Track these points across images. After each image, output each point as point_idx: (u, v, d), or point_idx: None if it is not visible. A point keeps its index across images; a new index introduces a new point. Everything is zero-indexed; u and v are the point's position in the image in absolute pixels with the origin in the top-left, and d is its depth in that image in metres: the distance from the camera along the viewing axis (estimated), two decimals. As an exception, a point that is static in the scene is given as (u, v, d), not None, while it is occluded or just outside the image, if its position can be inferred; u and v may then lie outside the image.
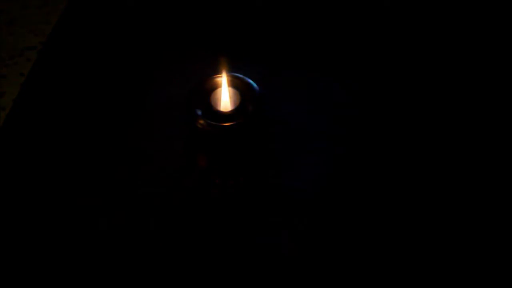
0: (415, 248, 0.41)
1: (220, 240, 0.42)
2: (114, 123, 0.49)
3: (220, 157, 0.43)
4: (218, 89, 0.42)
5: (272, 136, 0.47)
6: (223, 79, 0.42)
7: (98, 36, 0.56)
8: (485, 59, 0.53)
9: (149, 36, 0.56)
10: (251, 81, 0.42)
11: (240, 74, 0.43)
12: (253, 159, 0.45)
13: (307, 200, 0.44)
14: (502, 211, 0.43)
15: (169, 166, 0.45)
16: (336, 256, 0.41)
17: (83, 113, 0.50)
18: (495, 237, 0.42)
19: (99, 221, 0.43)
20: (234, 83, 0.42)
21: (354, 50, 0.54)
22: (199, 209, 0.43)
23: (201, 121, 0.40)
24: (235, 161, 0.43)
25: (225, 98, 0.42)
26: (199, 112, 0.41)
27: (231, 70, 0.42)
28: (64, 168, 0.46)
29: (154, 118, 0.49)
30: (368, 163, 0.46)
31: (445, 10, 0.57)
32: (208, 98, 0.42)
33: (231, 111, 0.41)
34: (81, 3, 0.59)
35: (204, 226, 0.43)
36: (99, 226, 0.43)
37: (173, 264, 0.41)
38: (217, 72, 0.42)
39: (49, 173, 0.45)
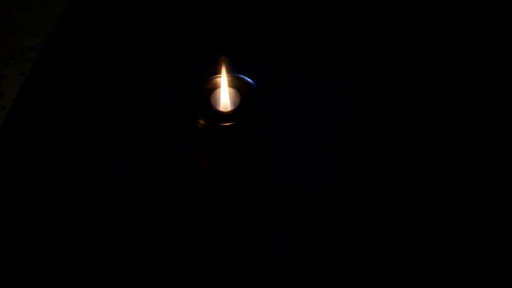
0: (415, 249, 0.41)
1: (220, 241, 0.42)
2: (114, 124, 0.49)
3: (220, 157, 0.43)
4: (218, 89, 0.42)
5: (272, 136, 0.47)
6: (223, 79, 0.42)
7: (98, 36, 0.56)
8: (485, 59, 0.53)
9: (149, 36, 0.56)
10: (251, 81, 0.42)
11: (240, 74, 0.43)
12: (253, 159, 0.45)
13: (308, 201, 0.44)
14: (502, 211, 0.43)
15: (169, 166, 0.45)
16: (337, 257, 0.41)
17: (83, 113, 0.50)
18: (495, 237, 0.42)
19: (99, 222, 0.43)
20: (234, 83, 0.42)
21: (354, 50, 0.54)
22: (199, 209, 0.43)
23: (201, 121, 0.40)
24: (235, 161, 0.43)
25: (225, 98, 0.42)
26: (199, 112, 0.41)
27: (231, 70, 0.42)
28: (64, 168, 0.46)
29: (154, 118, 0.49)
30: (368, 163, 0.46)
31: (445, 10, 0.57)
32: (208, 98, 0.41)
33: (231, 111, 0.41)
34: (81, 3, 0.59)
35: (204, 227, 0.43)
36: (100, 227, 0.42)
37: (173, 264, 0.41)
38: (217, 72, 0.42)
39: (49, 173, 0.45)
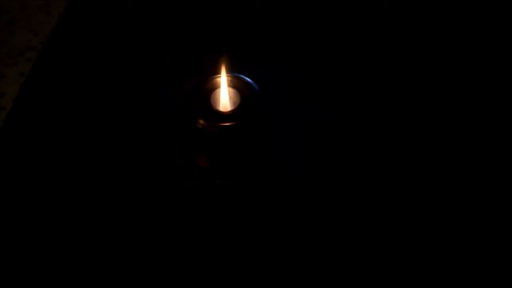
0: (415, 248, 0.41)
1: (220, 241, 0.42)
2: (114, 124, 0.49)
3: (220, 157, 0.43)
4: (218, 89, 0.42)
5: (272, 136, 0.47)
6: (223, 79, 0.42)
7: (98, 36, 0.56)
8: (485, 59, 0.53)
9: (149, 37, 0.56)
10: (251, 81, 0.42)
11: (240, 74, 0.43)
12: (253, 159, 0.45)
13: (307, 201, 0.44)
14: (502, 211, 0.43)
15: (169, 166, 0.45)
16: (336, 256, 0.41)
17: (83, 113, 0.50)
18: (495, 237, 0.42)
19: (99, 222, 0.43)
20: (234, 83, 0.42)
21: (354, 51, 0.54)
22: (198, 209, 0.43)
23: (201, 121, 0.40)
24: (235, 161, 0.43)
25: (225, 98, 0.42)
26: (199, 112, 0.41)
27: (231, 70, 0.42)
28: (64, 168, 0.46)
29: (154, 118, 0.49)
30: (368, 163, 0.46)
31: (445, 11, 0.57)
32: (208, 98, 0.42)
33: (231, 111, 0.41)
34: (81, 3, 0.59)
35: (204, 227, 0.43)
36: (100, 226, 0.42)
37: (173, 265, 0.41)
38: (217, 72, 0.42)
39: (49, 173, 0.45)
